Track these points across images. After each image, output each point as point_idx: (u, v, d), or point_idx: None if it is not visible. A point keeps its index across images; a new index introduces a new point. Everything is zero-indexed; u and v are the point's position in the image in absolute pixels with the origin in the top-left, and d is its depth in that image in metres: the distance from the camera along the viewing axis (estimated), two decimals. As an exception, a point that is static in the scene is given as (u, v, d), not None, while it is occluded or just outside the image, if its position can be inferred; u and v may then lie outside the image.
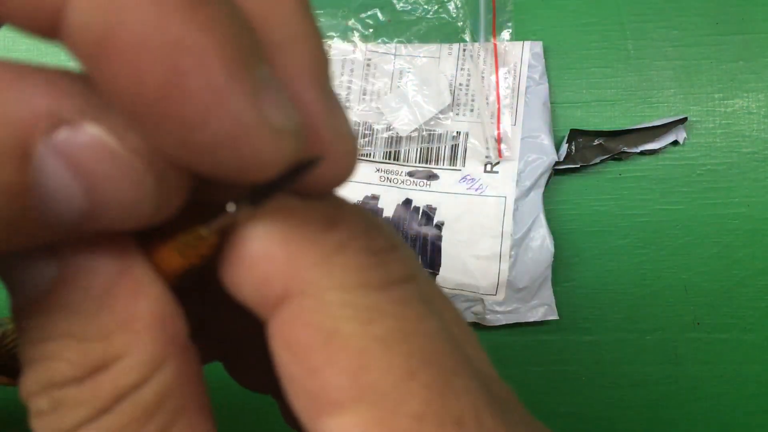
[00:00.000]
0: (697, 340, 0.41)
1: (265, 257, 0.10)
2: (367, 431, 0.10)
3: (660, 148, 0.40)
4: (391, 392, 0.10)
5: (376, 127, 0.40)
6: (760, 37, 0.41)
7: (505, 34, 0.40)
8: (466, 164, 0.40)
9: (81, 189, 0.09)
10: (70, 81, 0.09)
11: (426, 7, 0.40)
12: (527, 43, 0.40)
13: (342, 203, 0.11)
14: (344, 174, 0.11)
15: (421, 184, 0.40)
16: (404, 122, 0.40)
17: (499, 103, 0.40)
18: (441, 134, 0.40)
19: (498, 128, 0.40)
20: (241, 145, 0.09)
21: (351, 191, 0.40)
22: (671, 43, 0.41)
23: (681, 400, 0.41)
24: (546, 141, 0.39)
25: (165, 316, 0.11)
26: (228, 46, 0.08)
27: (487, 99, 0.40)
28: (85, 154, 0.09)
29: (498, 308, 0.40)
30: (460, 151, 0.40)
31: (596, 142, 0.40)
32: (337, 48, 0.41)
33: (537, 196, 0.40)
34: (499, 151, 0.39)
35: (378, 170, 0.40)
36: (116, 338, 0.10)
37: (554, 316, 0.40)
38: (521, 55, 0.40)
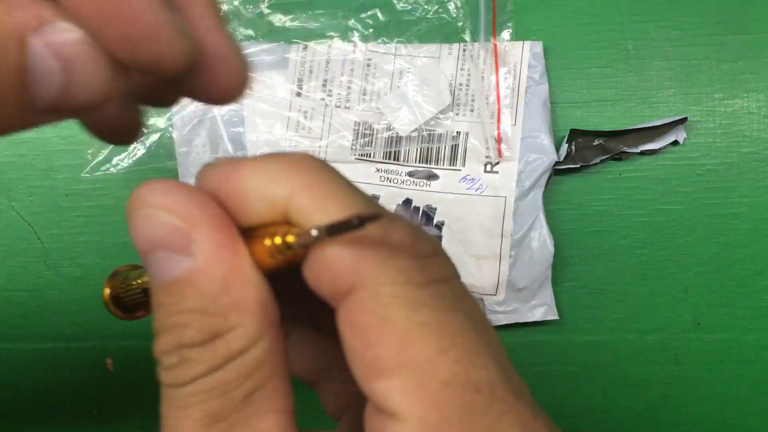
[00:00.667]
0: (697, 340, 0.41)
1: (337, 260, 0.14)
2: (406, 392, 0.13)
3: (660, 148, 0.40)
4: (426, 364, 0.13)
5: (376, 127, 0.40)
6: (760, 37, 0.41)
7: (505, 34, 0.40)
8: (466, 164, 0.40)
9: (60, 67, 0.13)
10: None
11: (426, 7, 0.40)
12: (527, 43, 0.40)
13: (395, 218, 0.15)
14: (238, 85, 0.16)
15: (421, 184, 0.40)
16: (404, 122, 0.40)
17: (499, 103, 0.40)
18: (441, 134, 0.40)
19: (498, 128, 0.40)
20: (156, 36, 0.13)
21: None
22: (671, 43, 0.41)
23: (681, 400, 0.41)
24: (546, 141, 0.39)
25: (266, 302, 0.14)
26: None
27: (487, 99, 0.40)
28: (62, 42, 0.13)
29: (498, 308, 0.40)
30: (460, 151, 0.40)
31: (596, 142, 0.40)
32: (337, 48, 0.41)
33: (537, 196, 0.40)
34: (499, 151, 0.39)
35: (378, 170, 0.40)
36: (231, 315, 0.14)
37: (554, 316, 0.40)
38: (521, 55, 0.40)
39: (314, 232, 0.13)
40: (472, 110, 0.40)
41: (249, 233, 0.15)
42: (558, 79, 0.41)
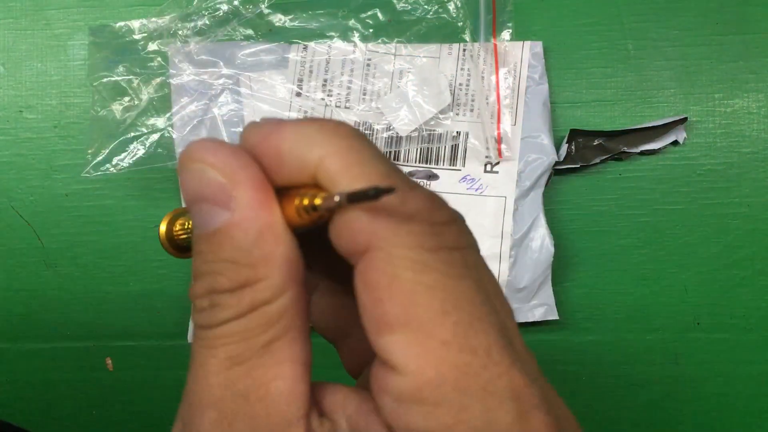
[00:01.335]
0: (697, 340, 0.41)
1: (356, 222, 0.15)
2: (408, 347, 0.14)
3: (660, 148, 0.40)
4: (428, 323, 0.14)
5: (376, 127, 0.40)
6: (760, 37, 0.41)
7: (505, 34, 0.40)
8: (466, 164, 0.40)
9: None
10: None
11: (426, 7, 0.40)
12: (527, 43, 0.40)
13: (415, 187, 0.15)
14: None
15: (421, 184, 0.40)
16: (404, 122, 0.40)
17: (499, 103, 0.40)
18: (441, 134, 0.40)
19: (498, 128, 0.40)
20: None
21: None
22: (671, 43, 0.41)
23: (681, 400, 0.41)
24: (546, 141, 0.39)
25: (292, 258, 0.15)
26: None
27: (487, 99, 0.40)
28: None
29: (498, 308, 0.40)
30: (460, 151, 0.40)
31: (596, 142, 0.40)
32: (337, 48, 0.41)
33: (537, 196, 0.40)
34: (499, 151, 0.39)
35: (378, 170, 0.40)
36: (260, 267, 0.15)
37: (554, 316, 0.40)
38: (521, 55, 0.40)
39: (336, 198, 0.14)
40: (472, 110, 0.40)
41: (282, 192, 0.16)
42: (558, 79, 0.41)
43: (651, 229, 0.41)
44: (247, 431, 0.15)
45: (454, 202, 0.40)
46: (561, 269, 0.41)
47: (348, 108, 0.40)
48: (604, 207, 0.41)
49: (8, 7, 0.42)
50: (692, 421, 0.41)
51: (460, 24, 0.40)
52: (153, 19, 0.40)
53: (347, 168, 0.15)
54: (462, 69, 0.40)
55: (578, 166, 0.40)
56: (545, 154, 0.39)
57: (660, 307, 0.41)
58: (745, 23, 0.41)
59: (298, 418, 0.16)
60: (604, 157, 0.40)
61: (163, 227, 0.20)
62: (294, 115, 0.41)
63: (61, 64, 0.42)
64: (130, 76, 0.40)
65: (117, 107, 0.40)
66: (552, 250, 0.39)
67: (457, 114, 0.40)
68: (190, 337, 0.41)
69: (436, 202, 0.16)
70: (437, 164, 0.40)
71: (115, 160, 0.40)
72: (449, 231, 0.15)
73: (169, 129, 0.40)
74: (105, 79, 0.40)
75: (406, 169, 0.40)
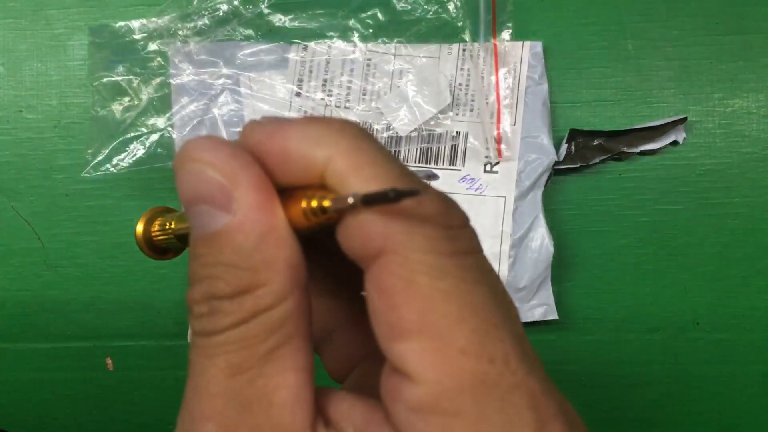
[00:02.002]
0: (697, 340, 0.41)
1: (370, 224, 0.14)
2: (424, 355, 0.14)
3: (660, 148, 0.40)
4: (445, 330, 0.14)
5: (376, 127, 0.40)
6: (760, 37, 0.41)
7: (505, 34, 0.40)
8: (465, 164, 0.40)
9: None
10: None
11: (426, 7, 0.40)
12: (527, 43, 0.40)
13: (428, 188, 0.15)
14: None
15: (421, 184, 0.40)
16: (404, 122, 0.40)
17: (499, 103, 0.40)
18: (441, 134, 0.40)
19: (498, 128, 0.40)
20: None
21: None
22: (671, 43, 0.41)
23: (681, 400, 0.41)
24: (546, 141, 0.39)
25: (296, 262, 0.15)
26: None
27: (487, 99, 0.40)
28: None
29: (498, 308, 0.40)
30: (459, 151, 0.40)
31: (596, 142, 0.40)
32: (337, 48, 0.41)
33: (537, 196, 0.40)
34: (499, 151, 0.39)
35: (378, 170, 0.40)
36: (261, 272, 0.14)
37: (554, 316, 0.40)
38: (521, 55, 0.40)
39: (350, 200, 0.14)
40: (471, 110, 0.40)
41: (286, 193, 0.15)
42: (558, 79, 0.41)
43: (651, 229, 0.41)
44: None
45: (454, 202, 0.40)
46: (561, 269, 0.41)
47: (348, 108, 0.40)
48: (604, 207, 0.41)
49: (8, 7, 0.42)
50: (692, 421, 0.41)
51: (459, 24, 0.40)
52: (153, 19, 0.40)
53: (358, 168, 0.14)
54: (462, 69, 0.40)
55: (578, 166, 0.40)
56: (545, 154, 0.39)
57: (660, 307, 0.41)
58: (745, 23, 0.41)
59: (303, 429, 0.15)
60: (604, 157, 0.40)
61: (140, 227, 0.19)
62: (294, 115, 0.41)
63: (61, 64, 0.42)
64: (130, 76, 0.40)
65: (117, 107, 0.40)
66: (552, 250, 0.39)
67: (457, 114, 0.40)
68: (189, 337, 0.41)
69: (450, 204, 0.15)
70: (437, 164, 0.40)
71: (115, 160, 0.40)
72: (464, 234, 0.15)
73: (169, 129, 0.40)
74: (105, 79, 0.40)
75: (406, 169, 0.40)
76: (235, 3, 0.40)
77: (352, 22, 0.41)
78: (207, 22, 0.40)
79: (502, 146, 0.40)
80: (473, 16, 0.40)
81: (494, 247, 0.39)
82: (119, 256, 0.42)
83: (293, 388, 0.15)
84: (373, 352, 0.16)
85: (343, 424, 0.16)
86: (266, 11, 0.41)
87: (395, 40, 0.41)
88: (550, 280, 0.40)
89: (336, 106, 0.40)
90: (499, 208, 0.39)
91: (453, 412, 0.14)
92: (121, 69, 0.40)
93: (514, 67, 0.40)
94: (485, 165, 0.40)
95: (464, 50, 0.40)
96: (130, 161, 0.40)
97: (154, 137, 0.40)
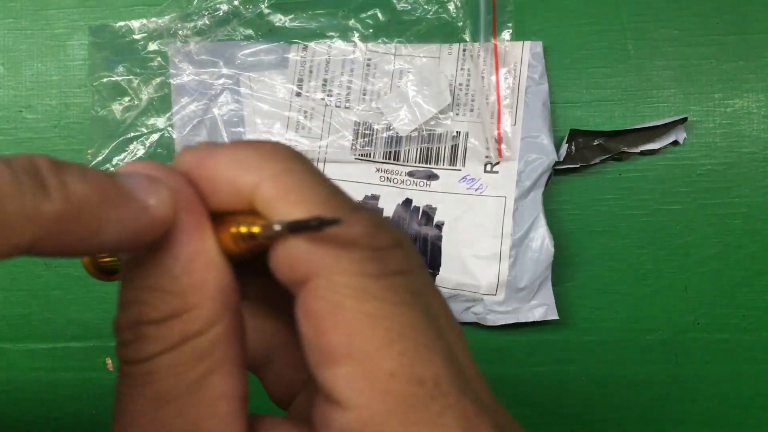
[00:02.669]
0: (697, 340, 0.41)
1: (296, 250, 0.14)
2: (353, 380, 0.13)
3: (660, 148, 0.40)
4: (373, 354, 0.13)
5: (376, 127, 0.40)
6: (760, 37, 0.41)
7: (505, 34, 0.40)
8: (466, 164, 0.40)
9: None
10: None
11: (426, 7, 0.40)
12: (527, 43, 0.40)
13: (358, 209, 0.15)
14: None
15: (421, 184, 0.40)
16: (404, 122, 0.40)
17: (499, 103, 0.40)
18: (441, 134, 0.40)
19: (498, 128, 0.40)
20: None
21: (351, 191, 0.40)
22: (671, 43, 0.41)
23: (681, 400, 0.41)
24: (546, 141, 0.39)
25: (226, 287, 0.15)
26: None
27: (487, 99, 0.40)
28: None
29: (498, 308, 0.40)
30: (460, 151, 0.40)
31: (596, 142, 0.40)
32: (337, 48, 0.41)
33: (537, 196, 0.40)
34: (499, 151, 0.39)
35: (378, 170, 0.40)
36: (190, 296, 0.14)
37: (554, 316, 0.40)
38: (521, 55, 0.40)
39: (277, 227, 0.14)
40: (472, 110, 0.40)
41: (220, 219, 0.15)
42: (558, 79, 0.41)
43: (651, 229, 0.41)
44: None
45: (454, 202, 0.40)
46: (561, 269, 0.41)
47: (348, 108, 0.40)
48: (604, 207, 0.41)
49: (8, 7, 0.42)
50: (692, 421, 0.41)
51: (460, 24, 0.40)
52: (153, 19, 0.40)
53: (285, 194, 0.14)
54: (462, 69, 0.40)
55: (578, 166, 0.40)
56: (545, 154, 0.39)
57: (660, 307, 0.41)
58: (745, 23, 0.41)
59: None
60: (604, 157, 0.40)
61: None
62: (294, 114, 0.41)
63: (61, 64, 0.42)
64: (130, 76, 0.40)
65: (117, 107, 0.40)
66: (552, 250, 0.39)
67: (457, 114, 0.40)
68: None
69: (378, 225, 0.15)
70: (437, 164, 0.40)
71: (115, 160, 0.40)
72: (393, 256, 0.15)
73: (169, 129, 0.40)
74: (105, 79, 0.40)
75: (406, 169, 0.40)
76: (235, 3, 0.40)
77: (352, 22, 0.41)
78: (207, 22, 0.40)
79: (503, 146, 0.40)
80: (473, 16, 0.40)
81: (494, 247, 0.39)
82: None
83: (225, 417, 0.14)
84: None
85: None
86: (266, 11, 0.41)
87: (395, 40, 0.41)
88: (551, 280, 0.40)
89: (336, 106, 0.40)
90: (500, 208, 0.39)
91: None
92: (121, 69, 0.40)
93: (514, 67, 0.40)
94: (485, 165, 0.40)
95: (464, 50, 0.40)
96: (130, 161, 0.40)
97: (154, 137, 0.40)
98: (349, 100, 0.40)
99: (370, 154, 0.40)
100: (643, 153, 0.41)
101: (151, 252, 0.14)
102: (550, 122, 0.40)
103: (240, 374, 0.15)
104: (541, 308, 0.40)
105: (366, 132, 0.40)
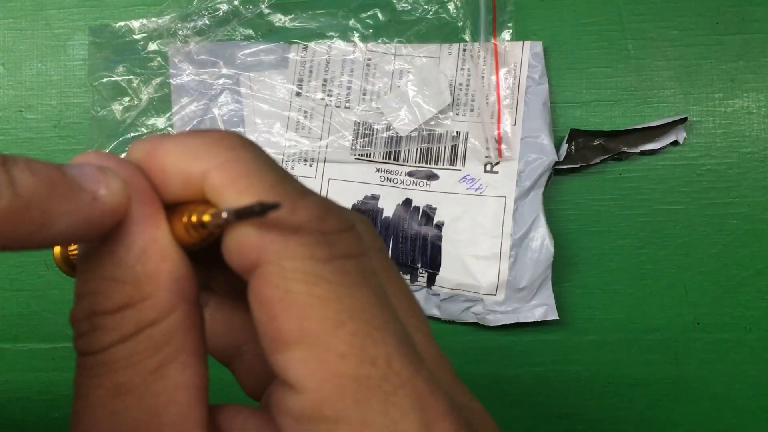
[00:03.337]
0: (697, 340, 0.41)
1: (246, 235, 0.14)
2: (304, 363, 0.14)
3: (660, 148, 0.40)
4: (323, 336, 0.14)
5: (376, 127, 0.40)
6: (760, 37, 0.41)
7: (505, 34, 0.40)
8: (466, 164, 0.40)
9: None
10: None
11: (426, 7, 0.40)
12: (527, 43, 0.40)
13: (306, 194, 0.15)
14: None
15: (421, 184, 0.40)
16: (404, 122, 0.40)
17: (499, 103, 0.40)
18: (441, 134, 0.40)
19: (498, 128, 0.40)
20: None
21: (351, 191, 0.40)
22: (671, 43, 0.41)
23: (681, 400, 0.41)
24: (546, 141, 0.39)
25: (181, 276, 0.15)
26: None
27: (487, 99, 0.40)
28: None
29: (498, 308, 0.40)
30: (460, 151, 0.40)
31: (596, 142, 0.40)
32: (337, 48, 0.41)
33: (537, 196, 0.40)
34: (499, 151, 0.39)
35: (378, 170, 0.40)
36: (144, 285, 0.14)
37: (554, 316, 0.40)
38: (521, 55, 0.40)
39: (224, 215, 0.14)
40: (472, 110, 0.40)
41: (173, 209, 0.15)
42: (558, 79, 0.41)
43: (651, 229, 0.41)
44: None
45: (454, 202, 0.40)
46: (561, 269, 0.41)
47: (348, 108, 0.40)
48: (604, 207, 0.41)
49: (8, 7, 0.42)
50: (692, 421, 0.41)
51: (460, 24, 0.40)
52: (153, 19, 0.40)
53: (233, 181, 0.14)
54: (462, 69, 0.40)
55: (578, 166, 0.40)
56: (545, 154, 0.39)
57: (660, 307, 0.41)
58: (745, 23, 0.41)
59: None
60: (604, 157, 0.40)
61: (57, 248, 0.19)
62: (294, 114, 0.41)
63: (61, 64, 0.42)
64: (130, 76, 0.40)
65: (117, 107, 0.40)
66: (552, 250, 0.39)
67: (457, 114, 0.40)
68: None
69: (327, 209, 0.15)
70: (437, 164, 0.40)
71: (115, 160, 0.40)
72: (342, 239, 0.15)
73: (169, 129, 0.40)
74: (105, 79, 0.40)
75: (406, 169, 0.40)
76: (235, 3, 0.40)
77: (352, 22, 0.41)
78: (207, 22, 0.40)
79: (503, 146, 0.40)
80: (473, 16, 0.40)
81: (494, 247, 0.39)
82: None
83: (183, 406, 0.15)
84: None
85: None
86: (266, 11, 0.41)
87: (395, 40, 0.41)
88: (551, 280, 0.40)
89: (336, 106, 0.40)
90: (500, 208, 0.39)
91: (335, 418, 0.13)
92: (121, 69, 0.40)
93: (514, 67, 0.40)
94: (485, 165, 0.40)
95: (464, 50, 0.40)
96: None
97: (154, 137, 0.40)
98: (349, 100, 0.40)
99: (370, 154, 0.40)
100: (643, 153, 0.41)
101: (104, 243, 0.14)
102: (550, 122, 0.40)
103: (198, 364, 0.15)
104: (541, 308, 0.40)
105: (366, 132, 0.40)
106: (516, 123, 0.40)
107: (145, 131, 0.40)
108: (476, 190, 0.40)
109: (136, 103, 0.40)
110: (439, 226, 0.40)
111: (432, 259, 0.39)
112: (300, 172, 0.40)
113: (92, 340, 0.14)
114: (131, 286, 0.14)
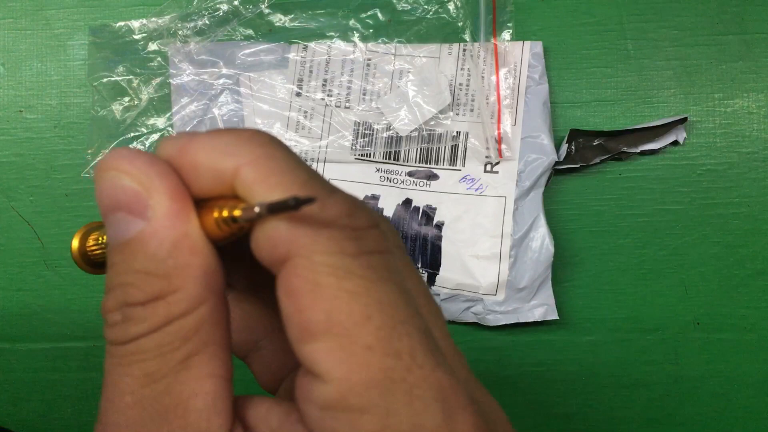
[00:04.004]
0: (697, 340, 0.41)
1: (276, 231, 0.14)
2: (332, 354, 0.14)
3: (660, 148, 0.40)
4: (351, 328, 0.14)
5: (376, 127, 0.40)
6: (760, 37, 0.41)
7: (506, 34, 0.40)
8: (466, 164, 0.40)
9: None
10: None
11: (426, 7, 0.40)
12: (527, 43, 0.40)
13: (335, 191, 0.15)
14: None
15: (421, 184, 0.40)
16: (404, 122, 0.40)
17: (499, 103, 0.40)
18: (441, 134, 0.40)
19: (498, 128, 0.40)
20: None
21: (351, 191, 0.40)
22: (671, 43, 0.41)
23: (681, 400, 0.41)
24: (546, 141, 0.39)
25: (210, 269, 0.15)
26: None
27: (487, 99, 0.40)
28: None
29: (498, 308, 0.40)
30: (460, 151, 0.40)
31: (596, 142, 0.40)
32: (337, 48, 0.41)
33: (537, 196, 0.40)
34: (500, 151, 0.39)
35: (378, 170, 0.40)
36: (175, 278, 0.15)
37: (554, 316, 0.40)
38: (521, 55, 0.40)
39: (257, 209, 0.14)
40: (472, 110, 0.40)
41: (203, 204, 0.15)
42: (558, 79, 0.41)
43: (651, 229, 0.41)
44: None
45: (454, 202, 0.40)
46: (561, 269, 0.41)
47: (348, 108, 0.40)
48: (604, 207, 0.41)
49: (8, 7, 0.42)
50: (692, 421, 0.41)
51: (460, 24, 0.40)
52: (153, 19, 0.40)
53: (265, 177, 0.15)
54: (462, 69, 0.40)
55: (578, 166, 0.40)
56: (545, 154, 0.39)
57: (660, 307, 0.41)
58: (745, 23, 0.41)
59: None
60: (604, 157, 0.40)
61: (75, 242, 0.19)
62: (294, 114, 0.41)
63: (61, 64, 0.42)
64: (130, 76, 0.40)
65: (117, 107, 0.40)
66: (552, 250, 0.39)
67: (457, 114, 0.40)
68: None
69: (356, 206, 0.15)
70: (437, 164, 0.40)
71: (115, 160, 0.40)
72: (370, 235, 0.15)
73: (169, 129, 0.40)
74: (105, 79, 0.40)
75: (406, 169, 0.40)
76: (235, 3, 0.40)
77: (352, 22, 0.41)
78: (207, 22, 0.40)
79: (503, 146, 0.40)
80: (473, 16, 0.40)
81: (494, 247, 0.39)
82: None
83: (210, 395, 0.15)
84: None
85: (260, 428, 0.16)
86: (266, 11, 0.41)
87: (395, 40, 0.41)
88: (551, 280, 0.40)
89: (336, 106, 0.40)
90: (500, 208, 0.39)
91: (361, 408, 0.14)
92: (121, 69, 0.40)
93: (514, 67, 0.40)
94: (486, 165, 0.40)
95: (464, 50, 0.40)
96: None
97: (154, 137, 0.40)
98: (349, 100, 0.40)
99: (370, 154, 0.40)
100: (643, 153, 0.41)
101: (136, 237, 0.15)
102: (550, 122, 0.40)
103: (225, 355, 0.16)
104: (541, 308, 0.40)
105: (366, 132, 0.40)
106: (516, 123, 0.40)
107: (145, 131, 0.40)
108: (476, 190, 0.40)
109: (136, 103, 0.40)
110: (439, 226, 0.40)
111: (432, 259, 0.39)
112: (300, 172, 0.40)
113: (123, 330, 0.15)
114: (162, 279, 0.15)
